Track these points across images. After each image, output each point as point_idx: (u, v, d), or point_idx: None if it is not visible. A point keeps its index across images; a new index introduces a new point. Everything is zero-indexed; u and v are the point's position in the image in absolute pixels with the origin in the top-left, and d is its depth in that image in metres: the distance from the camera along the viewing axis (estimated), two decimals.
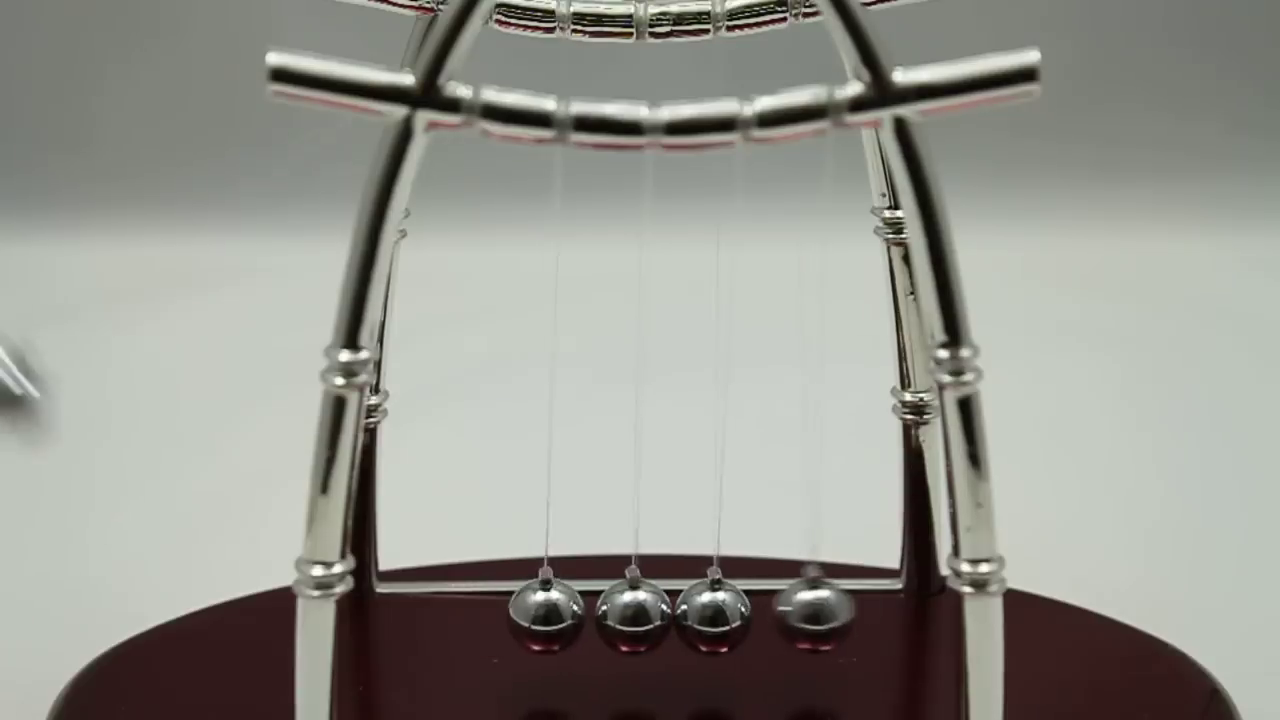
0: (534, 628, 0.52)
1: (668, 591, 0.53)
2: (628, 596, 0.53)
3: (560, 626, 0.52)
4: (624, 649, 0.53)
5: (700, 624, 0.52)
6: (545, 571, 0.53)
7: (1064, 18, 1.17)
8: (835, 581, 0.53)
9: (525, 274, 0.84)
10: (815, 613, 0.52)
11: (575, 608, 0.53)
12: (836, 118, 0.43)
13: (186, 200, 1.16)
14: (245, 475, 0.80)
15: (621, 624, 0.53)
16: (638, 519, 0.53)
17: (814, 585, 0.52)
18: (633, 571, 0.53)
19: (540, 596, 0.53)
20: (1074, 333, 1.00)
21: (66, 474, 0.82)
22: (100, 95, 1.17)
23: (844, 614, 0.52)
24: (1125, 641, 0.58)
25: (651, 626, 0.52)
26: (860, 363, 0.63)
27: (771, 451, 0.62)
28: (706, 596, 0.53)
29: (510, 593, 0.53)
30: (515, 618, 0.53)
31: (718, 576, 0.53)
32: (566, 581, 0.53)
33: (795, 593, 0.52)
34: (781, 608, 0.52)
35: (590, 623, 0.53)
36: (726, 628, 0.52)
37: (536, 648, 0.53)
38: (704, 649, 0.53)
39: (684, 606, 0.53)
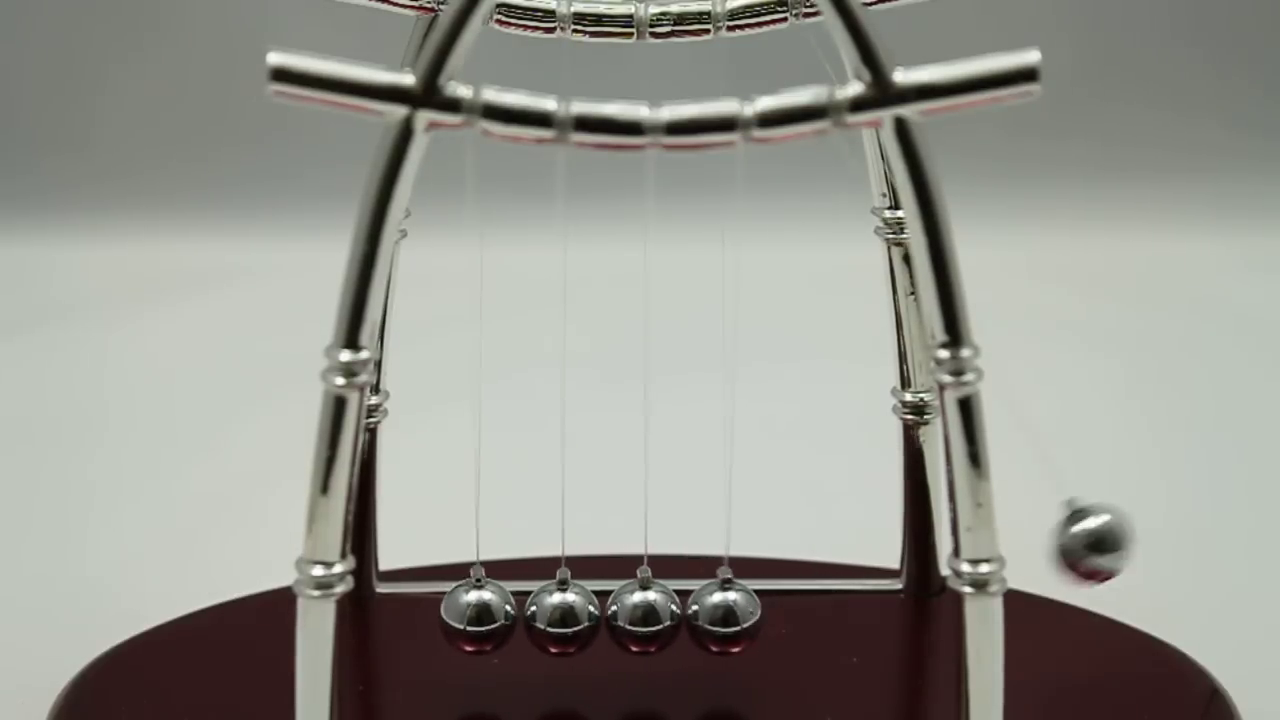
0: (549, 630, 0.52)
1: (677, 591, 0.53)
2: (636, 597, 0.52)
3: (576, 629, 0.52)
4: (634, 649, 0.53)
5: (711, 624, 0.52)
6: (563, 573, 0.53)
7: (1064, 18, 1.17)
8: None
9: (526, 274, 0.84)
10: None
11: (592, 609, 0.52)
12: (837, 118, 0.43)
13: (186, 200, 1.16)
14: (245, 475, 0.80)
15: (631, 624, 0.52)
16: (647, 519, 0.53)
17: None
18: (644, 572, 0.53)
19: (557, 598, 0.52)
20: (1075, 332, 1.00)
21: (66, 474, 0.82)
22: (100, 95, 1.17)
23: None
24: (1125, 641, 0.58)
25: (661, 627, 0.52)
26: (860, 363, 0.63)
27: (772, 451, 0.62)
28: (717, 596, 0.52)
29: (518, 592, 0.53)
30: (534, 621, 0.52)
31: (728, 576, 0.53)
32: (580, 582, 0.53)
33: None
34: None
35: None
36: (737, 628, 0.52)
37: (554, 650, 0.53)
38: (715, 649, 0.53)
39: (694, 607, 0.53)
